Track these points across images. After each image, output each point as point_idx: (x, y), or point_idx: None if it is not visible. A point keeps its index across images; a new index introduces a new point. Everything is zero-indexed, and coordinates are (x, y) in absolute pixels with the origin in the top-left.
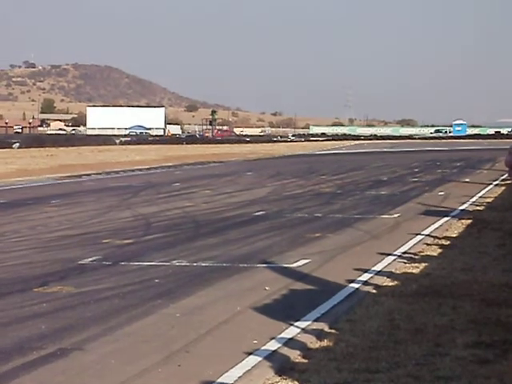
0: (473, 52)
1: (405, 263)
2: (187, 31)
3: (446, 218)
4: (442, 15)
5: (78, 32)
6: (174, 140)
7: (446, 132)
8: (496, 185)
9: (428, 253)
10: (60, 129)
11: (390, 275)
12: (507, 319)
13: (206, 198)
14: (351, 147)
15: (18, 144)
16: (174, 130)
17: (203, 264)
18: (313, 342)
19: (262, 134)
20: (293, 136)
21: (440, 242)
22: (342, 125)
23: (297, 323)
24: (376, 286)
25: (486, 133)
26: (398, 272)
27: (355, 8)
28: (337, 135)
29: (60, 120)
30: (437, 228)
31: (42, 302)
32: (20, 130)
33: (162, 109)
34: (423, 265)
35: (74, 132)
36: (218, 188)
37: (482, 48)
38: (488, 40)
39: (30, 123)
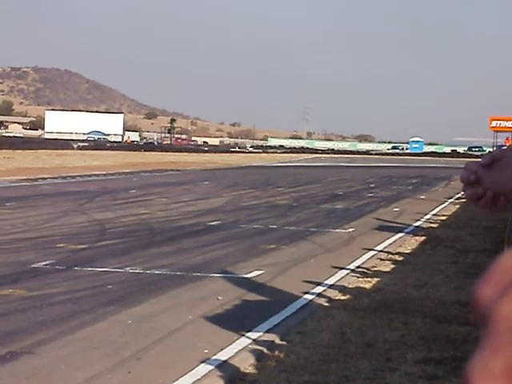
0: (429, 71)
1: (358, 277)
2: (147, 37)
3: (400, 234)
4: (409, 34)
5: (39, 35)
6: (132, 147)
7: (402, 149)
8: (451, 203)
9: (381, 268)
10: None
11: (343, 289)
12: (457, 336)
13: (162, 205)
14: (309, 160)
15: None
16: (133, 136)
17: (157, 272)
18: (264, 353)
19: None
20: (251, 147)
21: (393, 257)
22: (301, 138)
23: (248, 334)
24: (328, 300)
25: (442, 151)
26: (350, 286)
27: (315, 19)
28: (295, 148)
29: (18, 123)
30: (390, 244)
31: None
32: None
33: (121, 115)
34: (376, 280)
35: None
36: (175, 196)
37: (438, 65)
38: (445, 59)
39: None
